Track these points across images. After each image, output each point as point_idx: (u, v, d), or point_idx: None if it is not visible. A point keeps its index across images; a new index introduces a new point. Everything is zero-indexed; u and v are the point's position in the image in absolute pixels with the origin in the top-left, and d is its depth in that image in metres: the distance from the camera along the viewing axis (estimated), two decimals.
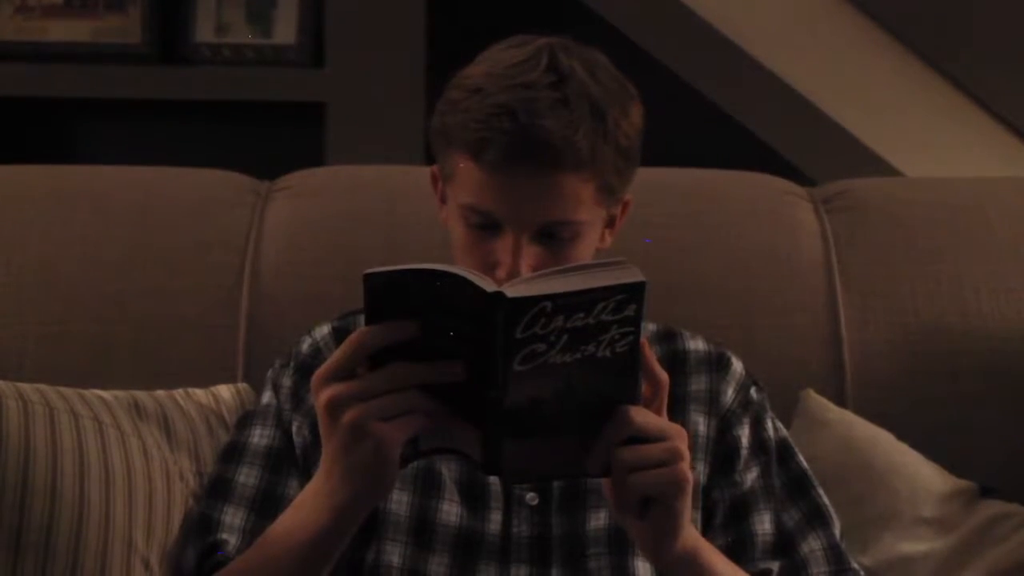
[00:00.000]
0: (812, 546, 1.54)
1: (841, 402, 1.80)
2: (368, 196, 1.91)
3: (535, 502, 1.50)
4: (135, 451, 1.56)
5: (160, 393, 1.68)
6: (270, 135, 2.90)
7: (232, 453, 1.56)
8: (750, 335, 1.73)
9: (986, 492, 1.72)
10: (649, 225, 1.86)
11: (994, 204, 1.94)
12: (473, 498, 1.51)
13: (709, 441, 1.56)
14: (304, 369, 1.57)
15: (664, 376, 1.30)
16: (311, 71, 2.82)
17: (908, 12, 2.79)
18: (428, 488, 1.51)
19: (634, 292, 1.23)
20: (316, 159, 2.68)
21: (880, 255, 1.88)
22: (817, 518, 1.56)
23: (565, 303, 1.21)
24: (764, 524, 1.54)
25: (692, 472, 1.38)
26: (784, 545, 1.54)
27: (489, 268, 1.45)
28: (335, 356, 1.26)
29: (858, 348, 1.83)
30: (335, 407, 1.26)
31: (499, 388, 1.22)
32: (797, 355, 1.75)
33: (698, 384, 1.59)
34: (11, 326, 1.78)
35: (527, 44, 1.48)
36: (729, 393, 1.59)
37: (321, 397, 1.26)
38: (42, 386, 1.58)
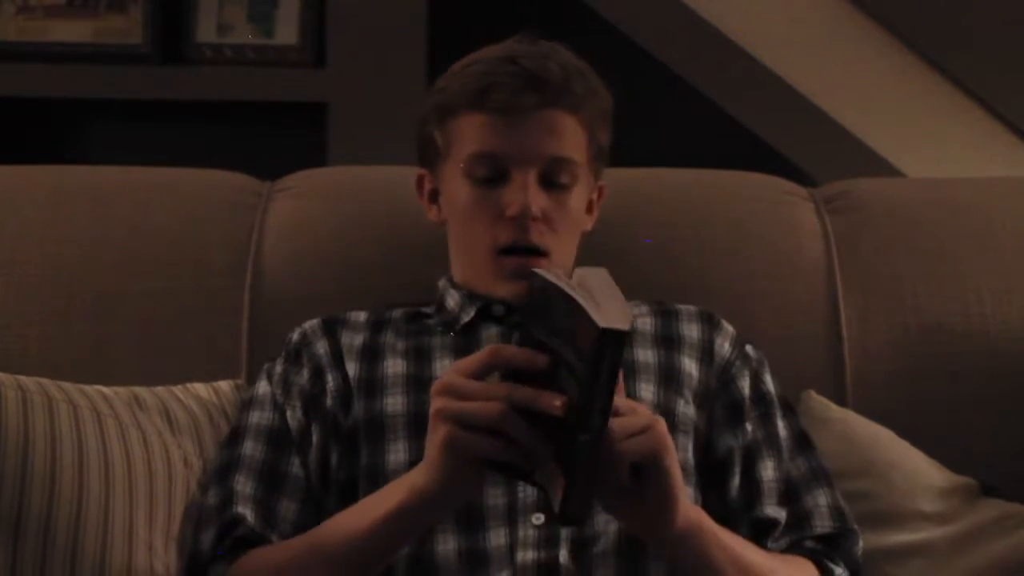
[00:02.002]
0: (818, 501, 1.57)
1: (842, 402, 1.80)
2: (369, 197, 1.91)
3: (540, 522, 1.50)
4: (134, 440, 1.56)
5: (160, 389, 1.68)
6: (272, 135, 2.90)
7: (235, 436, 1.60)
8: (751, 335, 1.73)
9: (988, 491, 1.72)
10: (650, 225, 1.86)
11: (995, 204, 1.94)
12: (470, 520, 1.50)
13: (700, 384, 1.61)
14: (293, 356, 1.63)
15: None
16: (313, 71, 2.82)
17: (910, 12, 2.79)
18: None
19: None
20: (318, 160, 2.68)
21: (881, 255, 1.88)
22: (822, 477, 1.60)
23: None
24: (768, 471, 1.58)
25: (680, 403, 1.53)
26: (789, 493, 1.58)
27: (499, 216, 1.57)
28: (472, 357, 1.29)
29: (859, 348, 1.83)
30: (437, 393, 1.28)
31: (596, 431, 1.20)
32: (798, 355, 1.75)
33: (690, 332, 1.65)
34: (13, 325, 1.78)
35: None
36: (726, 347, 1.65)
37: (439, 382, 1.29)
38: (41, 379, 1.58)
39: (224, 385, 1.73)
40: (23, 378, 1.57)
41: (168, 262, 1.83)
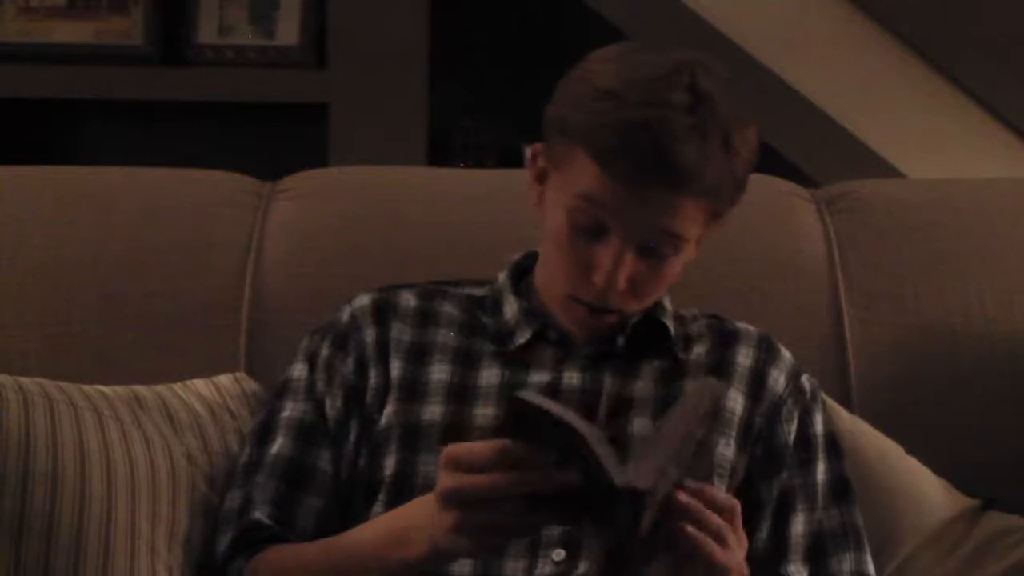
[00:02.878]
0: (843, 567, 1.54)
1: (845, 403, 1.80)
2: (370, 197, 1.91)
3: (561, 558, 1.46)
4: (136, 441, 1.57)
5: (160, 387, 1.68)
6: (272, 136, 2.90)
7: (264, 432, 1.58)
8: None
9: (988, 504, 1.71)
10: None
11: (997, 206, 1.94)
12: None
13: (743, 422, 1.56)
14: (340, 340, 1.59)
15: (734, 504, 1.29)
16: (313, 72, 2.82)
17: (911, 13, 2.79)
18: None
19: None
20: (318, 160, 2.68)
21: (883, 256, 1.88)
22: (854, 537, 1.57)
23: (678, 455, 1.21)
24: (798, 525, 1.55)
25: (720, 444, 1.47)
26: (815, 549, 1.55)
27: (587, 270, 1.48)
28: (479, 448, 1.25)
29: (862, 350, 1.83)
30: (447, 495, 1.26)
31: (636, 554, 1.20)
32: (801, 356, 1.74)
33: (745, 359, 1.60)
34: (15, 327, 1.78)
35: (666, 57, 1.47)
36: (781, 380, 1.60)
37: (443, 475, 1.26)
38: (41, 380, 1.59)
39: (224, 380, 1.73)
40: (23, 379, 1.57)
41: (169, 263, 1.83)
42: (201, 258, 1.84)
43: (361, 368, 1.57)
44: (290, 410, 1.57)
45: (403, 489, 1.49)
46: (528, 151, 1.57)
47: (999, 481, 1.75)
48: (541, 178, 1.54)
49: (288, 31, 2.85)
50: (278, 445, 1.55)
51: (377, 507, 1.51)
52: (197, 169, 1.98)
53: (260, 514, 1.51)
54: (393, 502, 1.48)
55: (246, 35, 2.86)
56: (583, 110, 1.45)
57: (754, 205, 1.91)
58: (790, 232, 1.89)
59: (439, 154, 2.85)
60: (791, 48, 2.81)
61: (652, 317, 1.58)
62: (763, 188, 1.96)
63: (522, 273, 1.63)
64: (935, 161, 2.75)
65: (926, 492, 1.72)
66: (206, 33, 2.85)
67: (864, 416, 1.78)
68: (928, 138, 2.79)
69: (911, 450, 1.76)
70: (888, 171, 2.74)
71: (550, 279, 1.55)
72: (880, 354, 1.83)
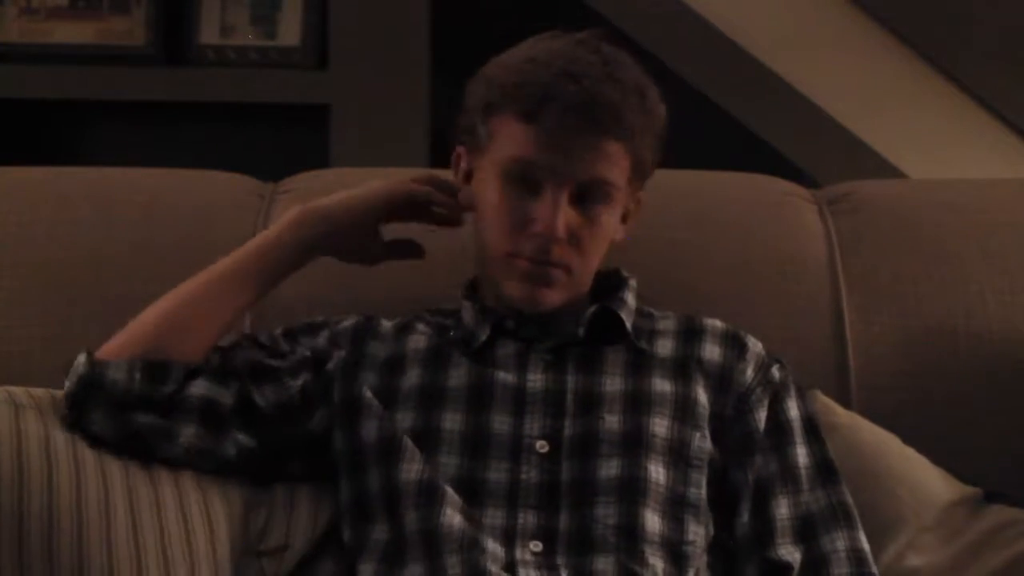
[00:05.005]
0: (836, 545, 1.55)
1: (845, 403, 1.80)
2: None
3: (545, 449, 1.53)
4: None
5: None
6: (274, 137, 2.90)
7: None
8: (754, 337, 1.73)
9: (991, 497, 1.71)
10: (653, 227, 1.85)
11: (999, 206, 1.94)
12: (474, 448, 1.53)
13: (714, 416, 1.58)
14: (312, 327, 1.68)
15: None
16: (315, 73, 2.83)
17: (912, 13, 2.79)
18: (430, 447, 1.55)
19: None
20: (320, 161, 2.68)
21: (884, 257, 1.88)
22: (844, 515, 1.58)
23: None
24: (781, 508, 1.57)
25: (696, 437, 1.53)
26: (805, 530, 1.56)
27: (524, 226, 1.55)
28: None
29: (862, 350, 1.83)
30: None
31: None
32: (801, 357, 1.75)
33: (712, 356, 1.62)
34: (17, 328, 1.78)
35: (566, 35, 1.61)
36: (748, 372, 1.61)
37: None
38: (12, 388, 1.58)
39: None
40: None
41: (170, 264, 1.83)
42: (202, 259, 1.83)
43: (330, 347, 1.64)
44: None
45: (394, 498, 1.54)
46: (453, 156, 1.67)
47: (1000, 481, 1.74)
48: (468, 177, 1.64)
49: (290, 32, 2.85)
50: None
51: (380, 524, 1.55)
52: (198, 170, 1.98)
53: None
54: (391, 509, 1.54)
55: (247, 36, 2.86)
56: (505, 81, 1.57)
57: (755, 205, 1.92)
58: (791, 232, 1.90)
59: (439, 154, 2.85)
60: (793, 48, 2.81)
61: (609, 309, 1.61)
62: (764, 188, 1.97)
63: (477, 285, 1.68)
64: (936, 161, 2.75)
65: (925, 479, 1.72)
66: (208, 33, 2.86)
67: (864, 416, 1.78)
68: (929, 138, 2.79)
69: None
70: (889, 171, 2.74)
71: (486, 254, 1.61)
72: (880, 354, 1.83)
